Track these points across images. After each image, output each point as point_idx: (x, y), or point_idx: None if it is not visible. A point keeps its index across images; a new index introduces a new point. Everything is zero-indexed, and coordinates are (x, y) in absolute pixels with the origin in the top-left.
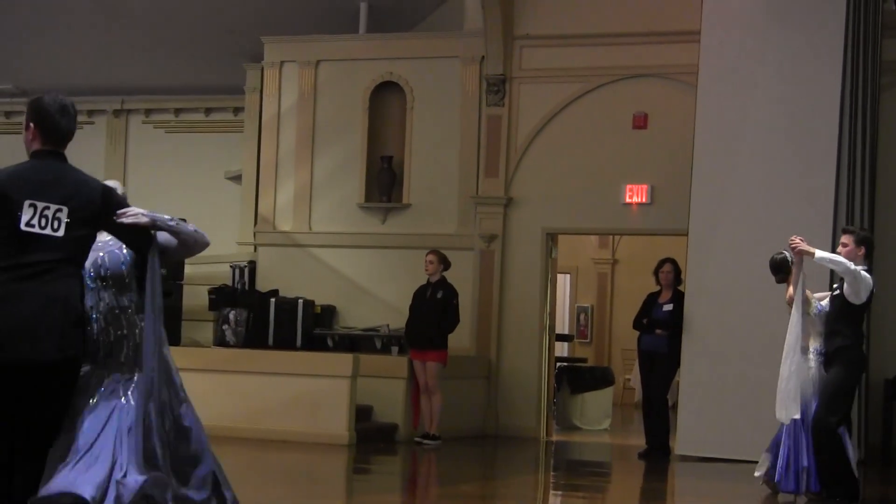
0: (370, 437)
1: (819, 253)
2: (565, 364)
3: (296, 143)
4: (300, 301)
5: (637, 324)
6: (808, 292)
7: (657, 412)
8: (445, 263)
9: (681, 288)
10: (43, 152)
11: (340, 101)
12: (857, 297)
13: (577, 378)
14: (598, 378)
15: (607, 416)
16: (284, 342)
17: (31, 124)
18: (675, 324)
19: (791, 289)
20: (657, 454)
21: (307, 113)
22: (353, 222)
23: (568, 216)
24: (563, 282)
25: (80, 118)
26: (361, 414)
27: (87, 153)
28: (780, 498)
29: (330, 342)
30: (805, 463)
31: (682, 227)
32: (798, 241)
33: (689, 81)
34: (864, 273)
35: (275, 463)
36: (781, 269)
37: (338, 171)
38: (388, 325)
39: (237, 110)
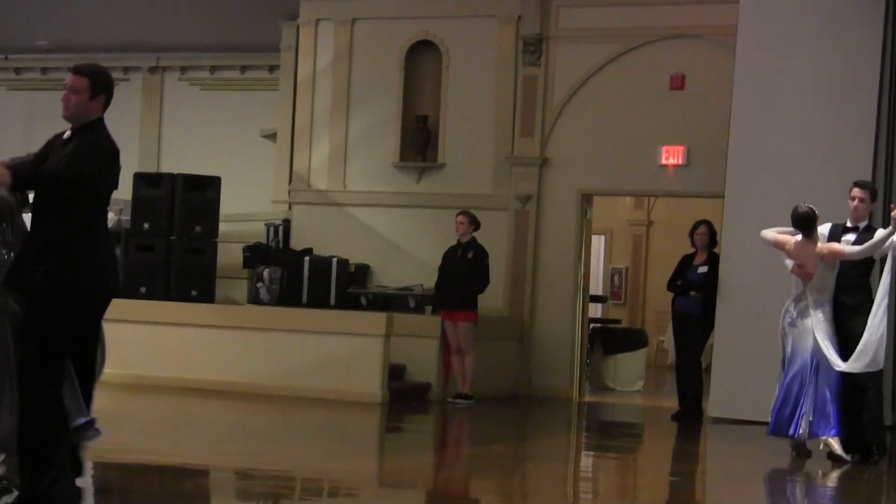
0: (403, 396)
1: None
2: (599, 325)
3: (331, 101)
4: (334, 260)
5: (671, 285)
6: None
7: (690, 374)
8: (476, 224)
9: (716, 250)
10: (103, 120)
11: (376, 60)
12: (880, 254)
13: (610, 339)
14: (632, 339)
15: (640, 378)
16: (318, 301)
17: (103, 95)
18: (709, 286)
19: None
20: (690, 416)
21: (342, 71)
22: (388, 181)
23: (603, 177)
24: (598, 243)
25: (115, 74)
26: (394, 373)
27: (122, 110)
28: (808, 464)
29: (363, 301)
30: (804, 409)
31: (718, 189)
32: None
33: (728, 43)
34: None
35: (307, 421)
36: (809, 223)
37: (373, 130)
38: (421, 285)
39: (273, 68)
